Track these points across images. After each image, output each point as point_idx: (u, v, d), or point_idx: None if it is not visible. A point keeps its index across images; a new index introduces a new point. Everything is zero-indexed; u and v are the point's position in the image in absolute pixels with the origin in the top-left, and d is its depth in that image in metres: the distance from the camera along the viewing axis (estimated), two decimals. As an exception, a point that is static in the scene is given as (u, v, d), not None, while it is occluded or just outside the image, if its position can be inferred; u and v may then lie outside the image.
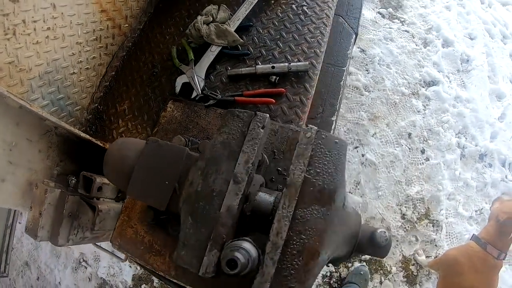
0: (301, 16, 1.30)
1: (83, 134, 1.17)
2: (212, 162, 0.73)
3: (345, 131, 2.34)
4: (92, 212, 1.14)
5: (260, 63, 1.22)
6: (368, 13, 2.80)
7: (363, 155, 2.28)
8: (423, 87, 2.53)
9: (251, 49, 1.26)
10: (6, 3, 0.96)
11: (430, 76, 2.58)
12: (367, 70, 2.55)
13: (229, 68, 1.23)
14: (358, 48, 2.63)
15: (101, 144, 1.24)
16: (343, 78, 1.59)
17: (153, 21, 1.47)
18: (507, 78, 2.69)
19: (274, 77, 1.16)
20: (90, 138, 1.20)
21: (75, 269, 2.39)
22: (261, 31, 1.30)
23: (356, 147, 2.30)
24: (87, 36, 1.26)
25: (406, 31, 2.76)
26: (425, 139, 2.37)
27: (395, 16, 2.83)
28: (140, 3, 1.45)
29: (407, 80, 2.56)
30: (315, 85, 1.19)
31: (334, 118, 1.48)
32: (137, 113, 1.31)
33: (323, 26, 1.28)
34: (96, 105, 1.37)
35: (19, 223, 2.16)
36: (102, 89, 1.39)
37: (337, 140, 0.72)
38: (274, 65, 1.16)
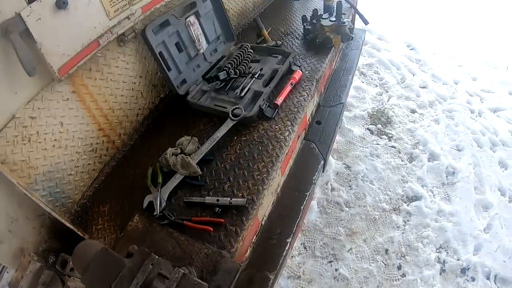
0: (254, 154, 1.58)
1: (68, 224, 1.49)
2: None
3: (320, 245, 2.40)
4: (62, 286, 1.45)
5: (211, 195, 1.46)
6: (357, 129, 3.04)
7: (336, 270, 2.31)
8: (405, 202, 2.60)
9: (208, 180, 1.52)
10: (26, 119, 1.32)
11: (413, 191, 2.66)
12: (350, 186, 2.69)
13: (187, 195, 1.49)
14: (344, 164, 2.81)
15: (81, 234, 1.53)
16: (304, 202, 1.79)
17: (142, 140, 1.81)
18: (495, 186, 2.68)
19: (218, 208, 1.40)
20: (74, 227, 1.51)
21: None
22: (219, 164, 1.57)
23: (330, 262, 2.35)
24: (85, 147, 1.60)
25: (393, 146, 2.93)
26: (402, 255, 2.37)
27: (383, 132, 3.04)
28: (133, 124, 1.81)
29: (389, 196, 2.65)
30: (253, 217, 1.41)
31: (289, 240, 1.66)
32: (113, 217, 1.57)
33: (271, 165, 1.53)
34: (85, 201, 1.67)
35: (7, 272, 2.43)
36: (92, 189, 1.69)
37: (196, 281, 0.92)
38: (219, 198, 1.41)
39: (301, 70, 1.91)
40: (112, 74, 1.60)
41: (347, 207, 2.59)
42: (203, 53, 1.95)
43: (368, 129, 3.06)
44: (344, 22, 2.01)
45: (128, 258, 1.22)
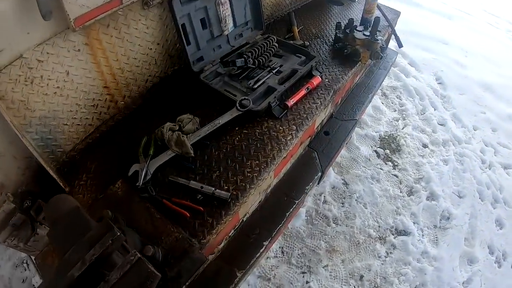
0: (251, 149, 1.53)
1: (52, 172, 1.47)
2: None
3: (298, 254, 2.36)
4: (31, 232, 1.46)
5: (197, 180, 1.43)
6: (364, 148, 2.96)
7: (307, 282, 2.26)
8: (392, 234, 2.54)
9: (198, 165, 1.49)
10: (33, 61, 1.29)
11: (404, 225, 2.58)
12: (342, 203, 2.63)
13: (174, 174, 1.46)
14: (342, 180, 2.74)
15: (63, 185, 1.52)
16: (291, 210, 1.76)
17: (145, 107, 1.78)
18: (486, 243, 2.61)
19: (200, 195, 1.37)
20: (57, 177, 1.49)
21: (16, 266, 2.52)
22: (213, 151, 1.53)
23: (303, 272, 2.31)
24: (86, 101, 1.57)
25: (395, 175, 2.86)
26: (376, 285, 2.32)
27: (389, 159, 2.96)
28: (140, 90, 1.77)
29: (378, 223, 2.58)
30: (233, 213, 1.38)
31: (266, 243, 1.63)
32: (97, 176, 1.55)
33: (265, 165, 1.49)
34: (75, 154, 1.65)
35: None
36: (85, 143, 1.67)
37: (149, 270, 0.89)
38: (204, 185, 1.37)
39: (321, 77, 1.85)
40: (129, 35, 1.56)
41: (334, 223, 2.54)
42: (227, 35, 1.89)
43: (375, 151, 2.99)
44: (377, 40, 1.93)
45: (97, 223, 1.22)
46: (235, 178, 1.45)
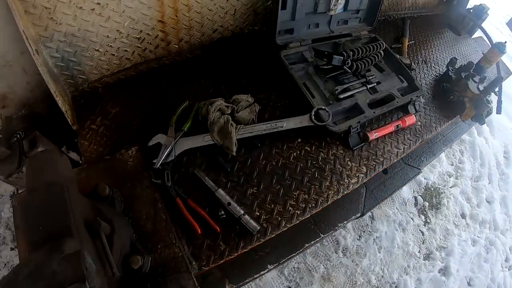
0: (305, 177, 1.20)
1: (60, 100, 1.15)
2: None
3: (293, 267, 2.13)
4: (16, 167, 1.15)
5: (227, 188, 1.11)
6: (406, 190, 2.65)
7: None
8: (390, 290, 2.33)
9: (236, 168, 1.16)
10: None
11: (405, 286, 2.37)
12: (359, 237, 2.36)
13: (202, 167, 1.14)
14: (370, 213, 2.47)
15: (70, 121, 1.22)
16: (312, 242, 1.46)
17: (201, 63, 1.41)
18: None
19: (223, 212, 1.06)
20: (68, 107, 1.20)
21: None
22: (261, 159, 1.19)
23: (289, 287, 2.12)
24: (131, 30, 1.22)
25: (422, 232, 2.56)
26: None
27: (424, 212, 2.64)
28: (203, 38, 1.40)
29: (383, 273, 2.33)
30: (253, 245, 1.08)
31: (270, 267, 1.36)
32: (113, 126, 1.24)
33: (313, 205, 1.16)
34: (99, 86, 1.33)
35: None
36: (114, 78, 1.34)
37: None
38: (231, 202, 1.06)
39: (415, 117, 1.45)
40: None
41: (342, 252, 2.30)
42: (331, 15, 1.46)
43: (415, 197, 2.67)
44: (489, 103, 1.53)
45: (87, 198, 0.92)
46: (272, 206, 1.12)
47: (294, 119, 1.23)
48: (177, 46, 1.38)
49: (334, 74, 1.36)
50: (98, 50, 1.21)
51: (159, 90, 1.33)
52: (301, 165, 1.21)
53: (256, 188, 1.14)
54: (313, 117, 1.22)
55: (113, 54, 1.26)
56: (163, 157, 1.11)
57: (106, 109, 1.28)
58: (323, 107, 1.23)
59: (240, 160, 1.18)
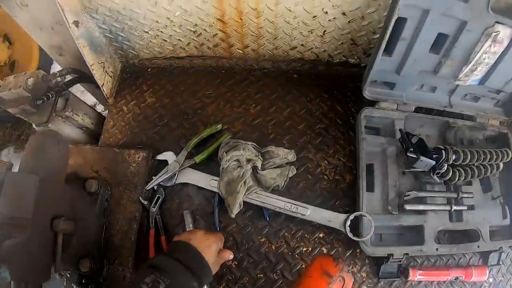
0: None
1: (97, 77, 1.14)
2: None
3: None
4: (45, 121, 1.16)
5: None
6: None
7: None
8: None
9: (229, 230, 0.98)
10: None
11: None
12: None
13: (191, 211, 0.99)
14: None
15: (107, 92, 1.20)
16: None
17: (265, 81, 1.15)
18: None
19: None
20: (102, 83, 1.17)
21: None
22: (261, 235, 0.96)
23: None
24: (184, 22, 1.04)
25: None
26: None
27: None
28: (276, 52, 1.12)
29: None
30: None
31: None
32: (140, 118, 1.16)
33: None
34: (149, 67, 1.25)
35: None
36: (166, 64, 1.23)
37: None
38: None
39: (489, 271, 0.98)
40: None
41: None
42: (457, 84, 0.98)
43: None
44: None
45: (70, 189, 0.92)
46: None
47: (323, 212, 0.93)
48: (241, 52, 1.13)
49: (418, 170, 0.95)
50: (147, 32, 1.09)
51: (202, 96, 1.15)
52: (303, 266, 0.95)
53: (236, 263, 0.95)
54: (348, 223, 0.90)
55: (165, 40, 1.12)
56: (161, 180, 0.99)
57: (143, 95, 1.19)
58: (368, 216, 0.89)
59: (237, 223, 0.99)
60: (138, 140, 1.10)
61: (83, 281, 0.98)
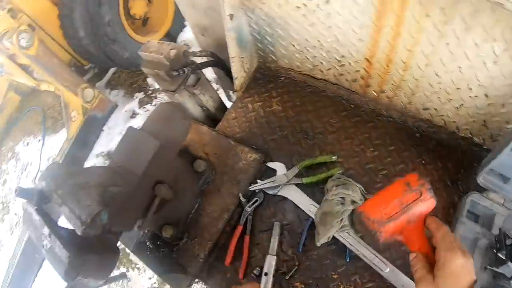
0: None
1: (235, 69, 1.21)
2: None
3: None
4: (173, 90, 1.27)
5: (277, 262, 1.00)
6: None
7: None
8: None
9: (308, 256, 1.02)
10: None
11: None
12: None
13: (283, 224, 1.04)
14: None
15: (236, 87, 1.29)
16: None
17: (389, 130, 1.16)
18: None
19: (256, 273, 1.00)
20: (236, 76, 1.25)
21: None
22: (335, 271, 0.99)
23: None
24: (333, 49, 1.08)
25: None
26: None
27: None
28: (409, 107, 1.12)
29: None
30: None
31: None
32: (262, 121, 1.23)
33: None
34: (283, 76, 1.31)
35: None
36: (300, 79, 1.28)
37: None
38: (268, 275, 0.96)
39: None
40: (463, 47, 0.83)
41: None
42: None
43: None
44: None
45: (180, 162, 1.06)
46: None
47: (401, 276, 0.94)
48: (375, 94, 1.16)
49: (500, 272, 0.93)
50: (294, 46, 1.15)
51: (326, 122, 1.19)
52: (363, 315, 0.98)
53: (302, 286, 0.99)
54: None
55: (308, 58, 1.17)
56: (265, 186, 1.07)
57: (271, 101, 1.26)
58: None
59: (319, 252, 1.02)
60: (254, 141, 1.17)
61: (158, 243, 1.08)
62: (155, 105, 2.97)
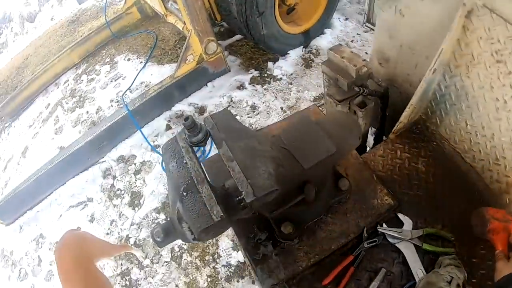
0: None
1: (405, 115, 1.29)
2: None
3: None
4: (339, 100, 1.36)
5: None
6: None
7: None
8: None
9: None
10: None
11: None
12: None
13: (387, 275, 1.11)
14: None
15: (387, 131, 1.51)
16: None
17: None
18: None
19: None
20: (401, 121, 1.32)
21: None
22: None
23: None
24: (498, 143, 1.12)
25: None
26: None
27: None
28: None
29: None
30: None
31: None
32: (404, 172, 1.28)
33: None
34: (435, 142, 1.34)
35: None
36: (452, 153, 1.31)
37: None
38: None
39: None
40: None
41: None
42: None
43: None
44: None
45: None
46: None
47: None
48: (507, 202, 1.18)
49: None
50: (466, 125, 1.19)
51: (458, 206, 1.20)
52: None
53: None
54: None
55: (470, 141, 1.21)
56: (389, 233, 1.13)
57: (418, 158, 1.30)
58: None
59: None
60: (391, 186, 1.22)
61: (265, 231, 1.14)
62: (265, 89, 3.07)
